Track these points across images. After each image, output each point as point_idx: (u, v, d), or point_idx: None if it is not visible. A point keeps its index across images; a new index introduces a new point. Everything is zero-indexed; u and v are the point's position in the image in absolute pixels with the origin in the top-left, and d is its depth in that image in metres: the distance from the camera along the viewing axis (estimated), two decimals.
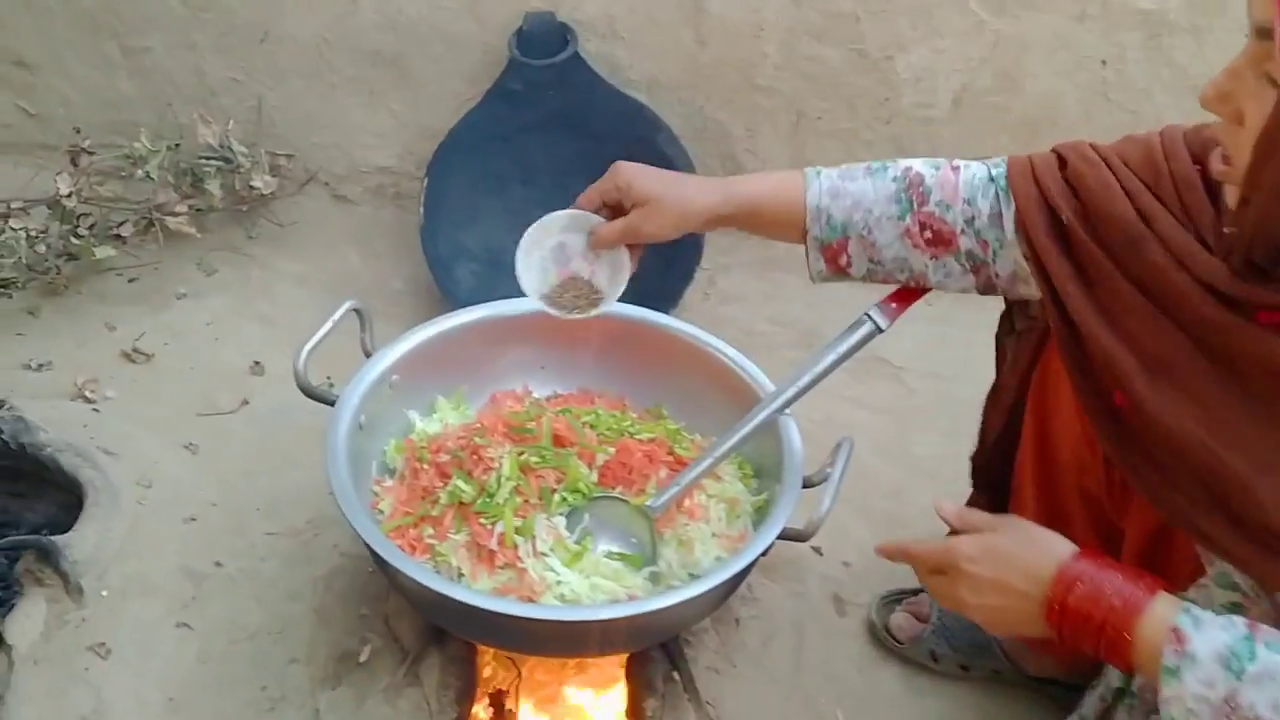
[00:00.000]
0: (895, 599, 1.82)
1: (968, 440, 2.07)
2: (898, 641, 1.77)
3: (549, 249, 1.59)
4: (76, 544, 1.80)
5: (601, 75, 2.39)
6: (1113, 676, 1.35)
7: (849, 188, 1.41)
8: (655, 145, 2.36)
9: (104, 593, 1.77)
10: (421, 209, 2.37)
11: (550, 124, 2.39)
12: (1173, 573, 1.31)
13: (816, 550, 1.93)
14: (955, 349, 2.39)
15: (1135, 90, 2.34)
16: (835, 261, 1.44)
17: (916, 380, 2.34)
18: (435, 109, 2.52)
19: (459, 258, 2.41)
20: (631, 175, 1.46)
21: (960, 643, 1.72)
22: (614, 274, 1.56)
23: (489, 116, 2.40)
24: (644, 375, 1.81)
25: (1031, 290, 1.35)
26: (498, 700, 1.66)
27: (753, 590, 1.81)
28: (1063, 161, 1.31)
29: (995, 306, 2.46)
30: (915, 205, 1.37)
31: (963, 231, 1.36)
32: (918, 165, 1.40)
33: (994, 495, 1.67)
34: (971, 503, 1.71)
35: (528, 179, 2.45)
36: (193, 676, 1.68)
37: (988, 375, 2.33)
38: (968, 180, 1.36)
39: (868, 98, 2.41)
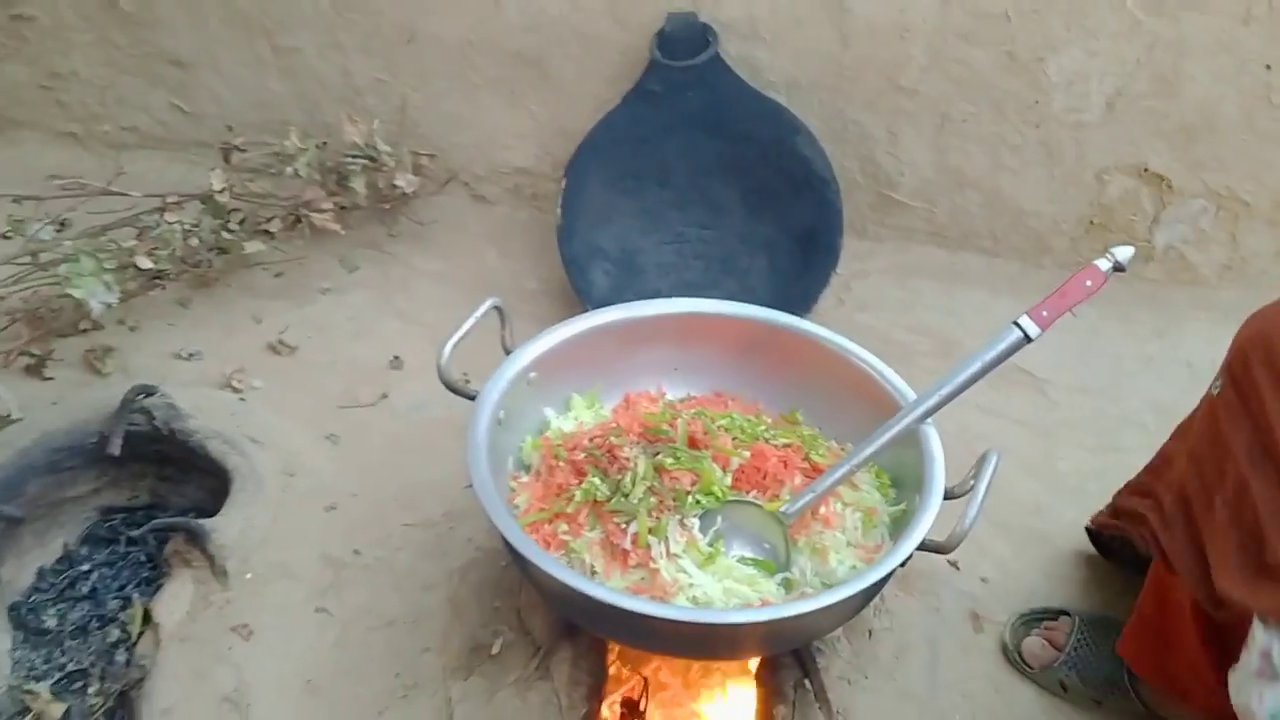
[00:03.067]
0: (1033, 619, 1.78)
1: (1117, 458, 2.02)
2: (1028, 666, 1.73)
3: None
4: (223, 528, 1.86)
5: (742, 76, 2.37)
6: None
7: None
8: (794, 147, 2.35)
9: (248, 576, 1.83)
10: (559, 209, 2.40)
11: (689, 125, 2.39)
12: None
13: (953, 565, 1.89)
14: (1102, 363, 2.33)
15: None
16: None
17: (1060, 393, 2.27)
18: (574, 110, 2.54)
19: (594, 258, 2.42)
20: None
21: (1093, 676, 1.67)
22: None
23: (628, 117, 2.41)
24: (779, 380, 1.80)
25: None
26: (628, 701, 1.67)
27: (886, 602, 1.79)
28: None
29: (1144, 319, 2.42)
30: None
31: None
32: None
33: None
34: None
35: (665, 180, 2.45)
36: (330, 661, 1.72)
37: (1137, 391, 2.28)
38: None
39: (1016, 101, 2.35)
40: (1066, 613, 1.76)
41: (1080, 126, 2.35)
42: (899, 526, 1.55)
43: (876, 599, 1.73)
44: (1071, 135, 2.36)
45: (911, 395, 1.61)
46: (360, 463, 2.07)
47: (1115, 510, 1.75)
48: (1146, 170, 2.36)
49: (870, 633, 1.73)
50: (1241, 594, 1.27)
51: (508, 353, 1.68)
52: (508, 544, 1.41)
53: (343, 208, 2.54)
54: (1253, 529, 1.28)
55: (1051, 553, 1.94)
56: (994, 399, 2.24)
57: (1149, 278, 2.47)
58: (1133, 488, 1.70)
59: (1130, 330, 2.41)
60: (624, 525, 1.49)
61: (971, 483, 1.48)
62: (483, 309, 1.64)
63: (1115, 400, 2.24)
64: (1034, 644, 1.73)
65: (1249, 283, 2.45)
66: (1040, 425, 2.20)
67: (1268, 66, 2.19)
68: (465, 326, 1.61)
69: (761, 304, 1.81)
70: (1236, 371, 1.34)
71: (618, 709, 1.68)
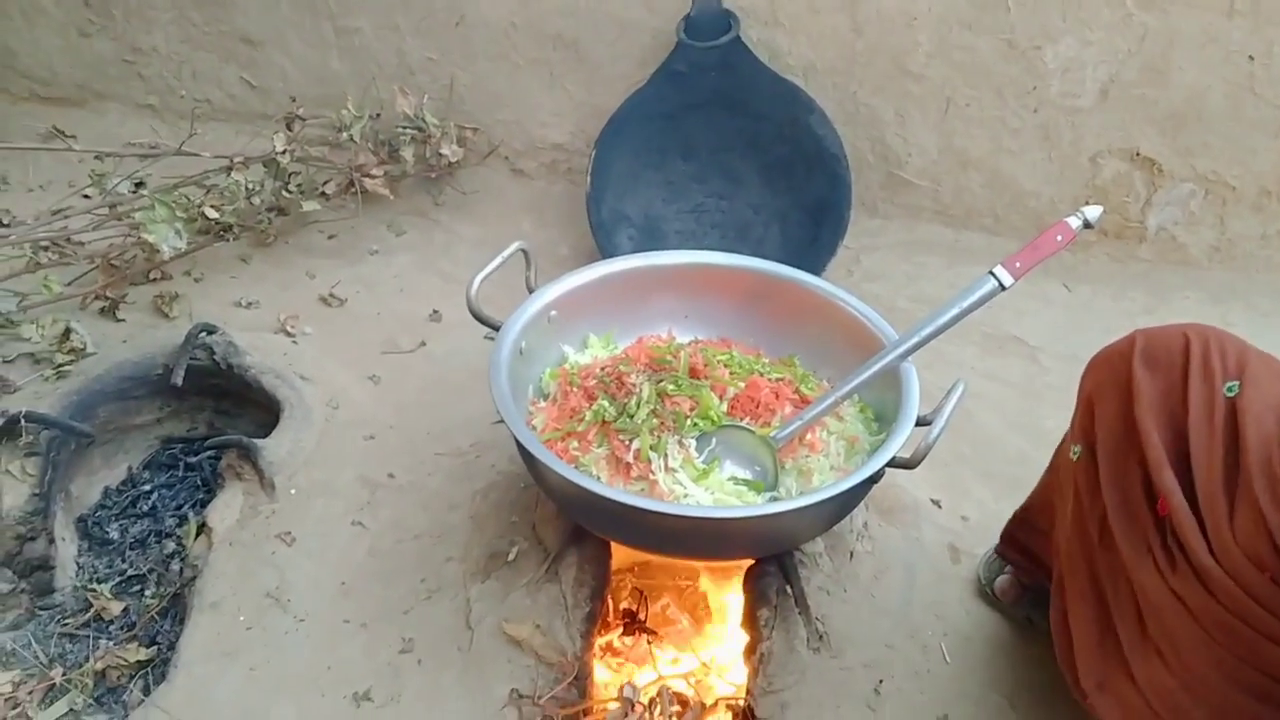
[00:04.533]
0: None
1: None
2: (998, 599, 1.83)
3: None
4: (273, 448, 2.05)
5: (761, 59, 2.54)
6: None
7: None
8: (808, 126, 2.50)
9: (293, 491, 2.01)
10: (588, 178, 2.57)
11: (711, 103, 2.56)
12: None
13: (936, 503, 2.02)
14: (1093, 334, 2.38)
15: None
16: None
17: (1051, 360, 2.39)
18: (607, 90, 2.70)
19: (620, 223, 2.60)
20: None
21: None
22: None
23: (655, 95, 2.58)
24: (780, 326, 1.94)
25: None
26: (628, 608, 1.83)
27: (869, 530, 1.90)
28: None
29: (1135, 296, 2.53)
30: None
31: None
32: None
33: None
34: None
35: (687, 154, 2.62)
36: (363, 567, 1.89)
37: None
38: None
39: (1015, 86, 2.48)
40: None
41: (1075, 112, 2.48)
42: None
43: (859, 525, 1.88)
44: (1068, 120, 2.49)
45: (896, 337, 1.74)
46: (398, 400, 2.24)
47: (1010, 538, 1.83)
48: (1138, 154, 2.48)
49: (852, 554, 1.85)
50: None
51: (531, 291, 1.84)
52: (523, 451, 1.56)
53: (393, 176, 2.72)
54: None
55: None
56: (988, 363, 2.38)
57: (1143, 258, 2.59)
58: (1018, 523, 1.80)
59: (1121, 306, 2.52)
60: (628, 442, 1.63)
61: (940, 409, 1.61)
62: (510, 250, 1.79)
63: None
64: (1005, 581, 1.83)
65: (1237, 265, 2.56)
66: (1030, 388, 2.33)
67: (1251, 57, 2.31)
68: (494, 263, 1.76)
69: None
70: (1086, 425, 1.44)
71: (619, 612, 1.84)
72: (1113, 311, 2.51)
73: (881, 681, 1.70)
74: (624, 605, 1.87)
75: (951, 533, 1.97)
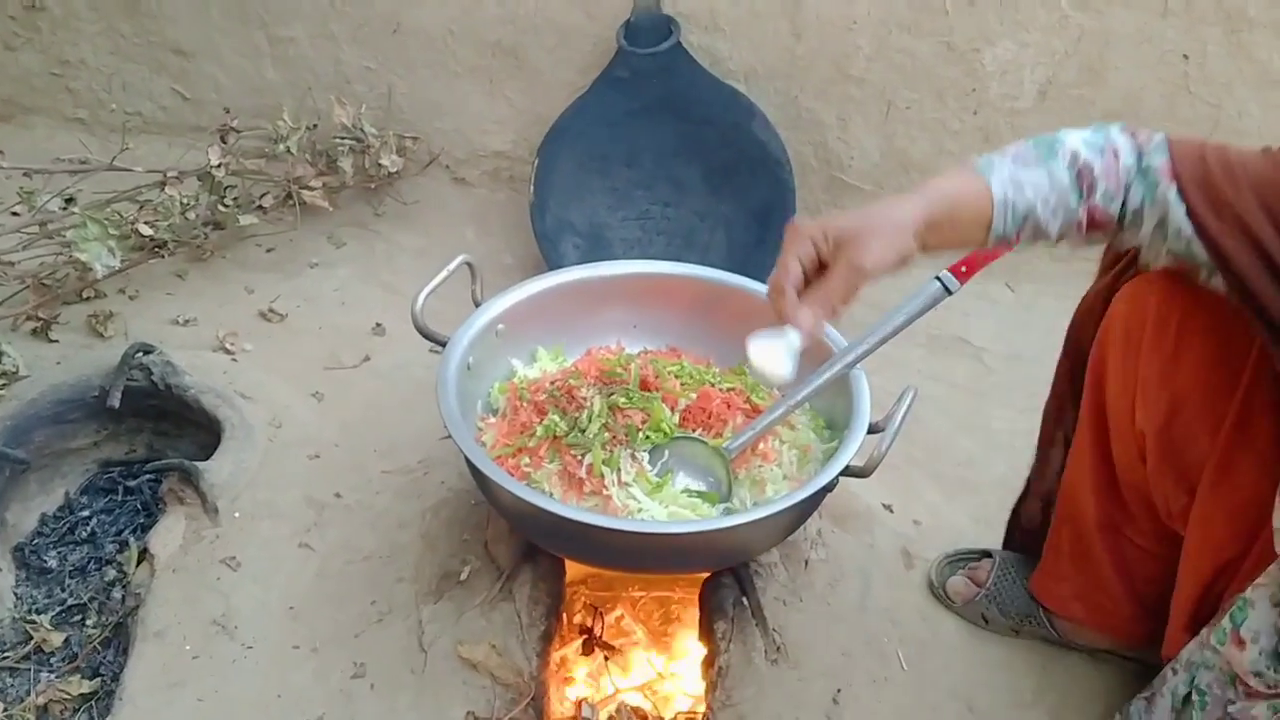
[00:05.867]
0: (958, 560, 1.90)
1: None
2: (952, 601, 1.85)
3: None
4: (215, 469, 2.00)
5: (702, 65, 2.53)
6: (1180, 681, 1.42)
7: (1024, 176, 1.28)
8: (750, 131, 2.50)
9: (236, 514, 1.96)
10: (532, 187, 2.55)
11: (653, 110, 2.55)
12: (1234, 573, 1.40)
13: (888, 508, 2.03)
14: (1037, 334, 2.46)
15: (1216, 85, 2.39)
16: (1005, 244, 1.35)
17: (996, 361, 2.41)
18: (548, 97, 2.68)
19: (564, 232, 2.58)
20: (821, 222, 1.31)
21: (1011, 609, 1.80)
22: None
23: (597, 102, 2.57)
24: (729, 335, 1.86)
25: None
26: (584, 627, 1.81)
27: (823, 537, 1.91)
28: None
29: (1078, 295, 2.54)
30: (1086, 196, 1.27)
31: (1118, 218, 1.29)
32: (1082, 151, 1.28)
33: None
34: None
35: (631, 160, 2.61)
36: (312, 590, 1.85)
37: None
38: (1125, 167, 1.27)
39: (955, 89, 2.50)
40: (988, 553, 1.89)
41: (1015, 113, 2.50)
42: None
43: (813, 533, 1.88)
44: (1007, 121, 2.51)
45: (844, 344, 1.73)
46: (343, 417, 2.20)
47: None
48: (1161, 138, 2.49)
49: (806, 563, 1.85)
50: None
51: (478, 305, 1.81)
52: (473, 469, 1.54)
53: (331, 187, 2.68)
54: None
55: (979, 501, 2.08)
56: (934, 366, 2.39)
57: (1085, 257, 2.59)
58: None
59: (1063, 306, 2.49)
60: (580, 457, 1.62)
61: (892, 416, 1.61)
62: (455, 263, 1.76)
63: (1047, 366, 2.34)
64: (958, 582, 1.85)
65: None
66: (976, 389, 2.35)
67: (1186, 56, 2.34)
68: (439, 278, 1.73)
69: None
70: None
71: (576, 631, 1.82)
72: (1056, 311, 2.47)
73: (840, 691, 1.70)
74: (578, 621, 1.86)
75: (904, 538, 1.98)
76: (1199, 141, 1.26)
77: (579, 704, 1.70)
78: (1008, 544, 1.90)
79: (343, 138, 2.65)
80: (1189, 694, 1.39)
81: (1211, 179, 1.22)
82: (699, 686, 1.76)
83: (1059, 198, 1.28)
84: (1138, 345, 1.42)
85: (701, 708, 1.71)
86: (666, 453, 1.65)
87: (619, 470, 1.61)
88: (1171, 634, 1.52)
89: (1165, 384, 1.39)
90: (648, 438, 1.66)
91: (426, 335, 1.73)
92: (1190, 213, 1.22)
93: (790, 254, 1.32)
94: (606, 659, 1.80)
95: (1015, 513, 1.87)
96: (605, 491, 1.59)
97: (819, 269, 1.32)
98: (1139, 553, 1.62)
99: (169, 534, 1.94)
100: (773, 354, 1.36)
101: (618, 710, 1.71)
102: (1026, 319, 2.50)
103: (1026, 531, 1.84)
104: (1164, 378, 1.39)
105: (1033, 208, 1.28)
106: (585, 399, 1.70)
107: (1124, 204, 1.27)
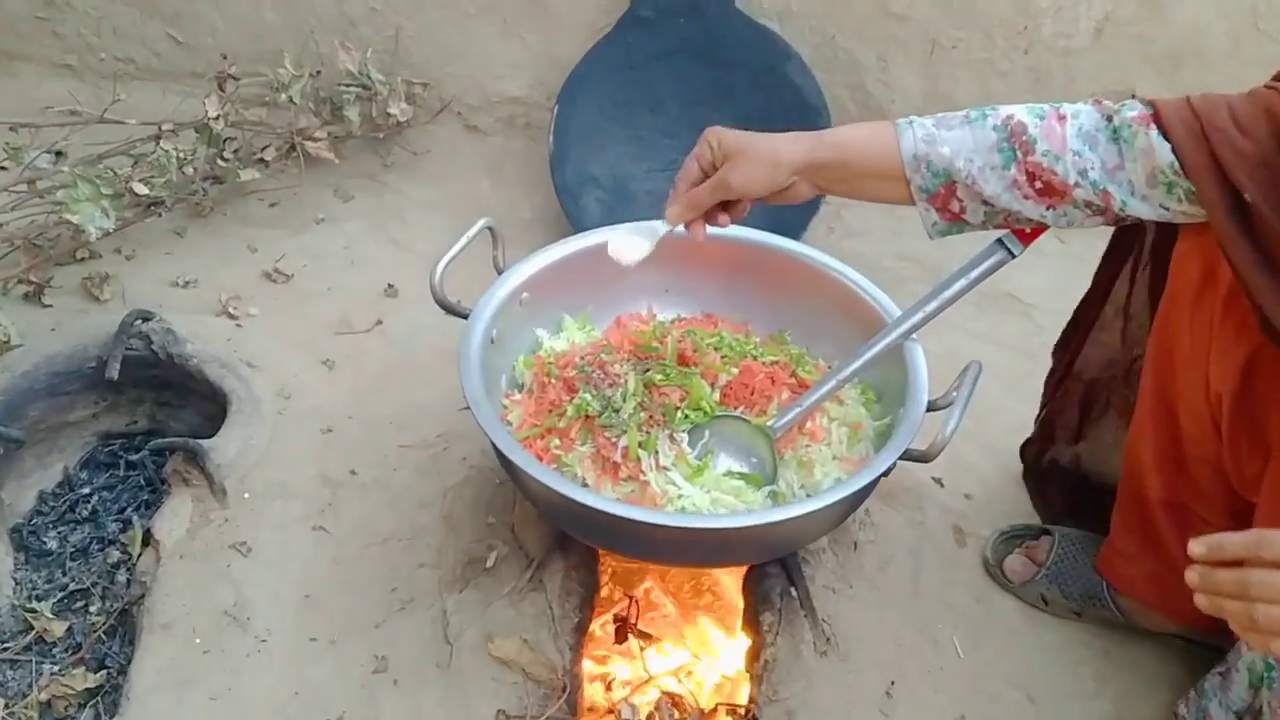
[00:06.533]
0: (1014, 537, 1.82)
1: None
2: (1009, 581, 1.77)
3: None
4: (221, 448, 1.89)
5: (733, 3, 2.38)
6: (1258, 655, 1.36)
7: (945, 135, 1.32)
8: (785, 74, 2.36)
9: (246, 495, 1.87)
10: (551, 137, 2.41)
11: (680, 52, 2.40)
12: None
13: (938, 481, 1.93)
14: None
15: None
16: (947, 209, 1.36)
17: (1046, 318, 2.29)
18: (567, 39, 2.54)
19: (586, 185, 2.44)
20: (720, 132, 1.42)
21: (1073, 590, 1.72)
22: None
23: (620, 45, 2.42)
24: (768, 300, 1.81)
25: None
26: (620, 617, 1.71)
27: (871, 516, 1.82)
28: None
29: None
30: (1020, 155, 1.28)
31: (1076, 184, 1.27)
32: (1019, 113, 1.30)
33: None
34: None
35: (656, 107, 2.46)
36: (328, 576, 1.76)
37: None
38: (1076, 131, 1.27)
39: (1006, 27, 2.35)
40: (1047, 531, 1.80)
41: (1069, 53, 2.36)
42: (883, 440, 1.57)
43: (861, 512, 1.78)
44: (1060, 61, 2.37)
45: (897, 313, 1.62)
46: (356, 387, 2.09)
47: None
48: (1134, 97, 2.36)
49: (855, 545, 1.76)
50: None
51: (500, 273, 1.70)
52: (501, 456, 1.44)
53: (336, 137, 2.55)
54: None
55: None
56: (981, 324, 2.27)
57: None
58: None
59: None
60: (615, 439, 1.51)
61: (953, 394, 1.50)
62: (476, 229, 1.64)
63: None
64: (1015, 561, 1.77)
65: None
66: (1026, 348, 2.23)
67: None
68: (458, 245, 1.62)
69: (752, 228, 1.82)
70: None
71: (610, 628, 1.72)
72: None
73: (893, 683, 1.62)
74: (614, 610, 1.76)
75: (955, 513, 1.89)
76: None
77: (617, 705, 1.60)
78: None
79: (348, 85, 2.51)
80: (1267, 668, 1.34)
81: (1195, 110, 1.22)
82: (736, 663, 1.68)
83: (985, 158, 1.30)
84: (1212, 301, 1.34)
85: (744, 688, 1.63)
86: (707, 433, 1.55)
87: (656, 453, 1.51)
88: None
89: (1241, 339, 1.31)
90: (686, 417, 1.56)
91: (447, 308, 1.62)
92: (1175, 150, 1.21)
93: (692, 154, 1.45)
94: (643, 649, 1.69)
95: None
96: (642, 477, 1.49)
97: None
98: (1209, 530, 1.51)
99: (175, 518, 1.84)
100: (628, 242, 1.55)
101: (657, 706, 1.62)
102: (1078, 272, 2.34)
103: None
104: (1240, 332, 1.31)
105: (952, 164, 1.31)
106: (619, 375, 1.59)
107: (1084, 169, 1.26)
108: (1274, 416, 1.32)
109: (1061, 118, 1.28)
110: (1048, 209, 1.32)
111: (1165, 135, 1.22)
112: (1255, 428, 1.35)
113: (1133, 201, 1.27)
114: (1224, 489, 1.46)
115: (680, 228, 1.50)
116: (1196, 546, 1.05)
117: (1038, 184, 1.29)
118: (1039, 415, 1.84)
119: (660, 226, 1.51)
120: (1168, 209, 1.27)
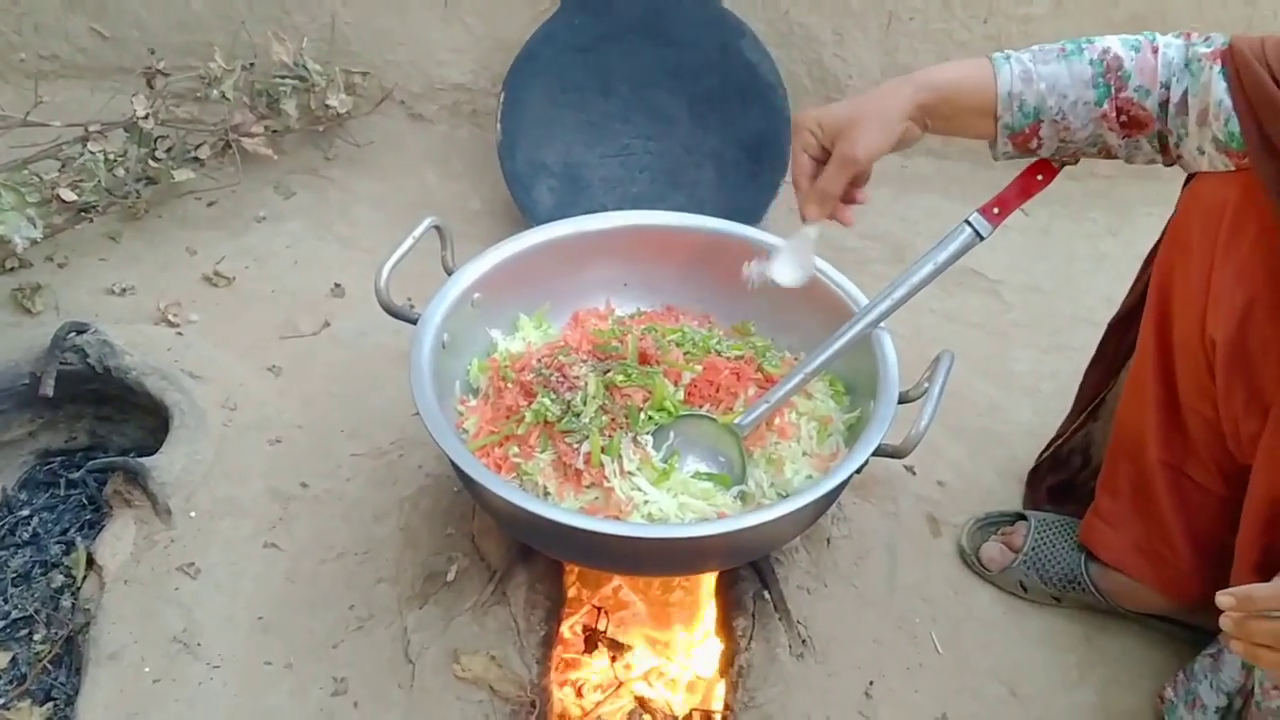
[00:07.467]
0: (990, 524, 1.79)
1: (1070, 356, 2.00)
2: (986, 569, 1.73)
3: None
4: (164, 466, 1.81)
5: None
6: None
7: (1042, 71, 1.33)
8: (739, 52, 2.29)
9: (192, 514, 1.79)
10: (499, 125, 2.33)
11: (629, 32, 2.33)
12: None
13: (909, 470, 1.89)
14: (1055, 262, 2.32)
15: None
16: (1025, 146, 1.39)
17: (1014, 294, 2.26)
18: (511, 20, 2.47)
19: (538, 174, 2.37)
20: (816, 115, 1.39)
21: (1051, 574, 1.68)
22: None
23: (566, 26, 2.34)
24: (729, 290, 1.73)
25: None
26: (588, 626, 1.65)
27: (844, 510, 1.78)
28: None
29: (1096, 217, 2.39)
30: (1114, 90, 1.30)
31: (1158, 116, 1.30)
32: (1116, 47, 1.31)
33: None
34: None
35: (607, 90, 2.39)
36: (282, 596, 1.69)
37: (1091, 289, 2.26)
38: (1166, 63, 1.29)
39: None
40: (1023, 516, 1.77)
41: (1029, 20, 2.31)
42: (854, 433, 1.54)
43: (834, 507, 1.73)
44: (1020, 29, 2.32)
45: (864, 300, 1.58)
46: (304, 394, 2.02)
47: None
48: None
49: (828, 541, 1.72)
50: None
51: (450, 274, 1.64)
52: (458, 469, 1.38)
53: (274, 131, 2.47)
54: None
55: (1006, 454, 1.94)
56: (947, 303, 2.23)
57: (1101, 174, 2.44)
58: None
59: (1083, 229, 2.39)
60: (576, 445, 1.46)
61: (926, 385, 1.46)
62: (421, 228, 1.58)
63: (1069, 299, 2.23)
64: (992, 548, 1.73)
65: None
66: (994, 327, 2.19)
67: None
68: (404, 247, 1.56)
69: (711, 216, 1.77)
70: None
71: (579, 629, 1.66)
72: (1074, 235, 2.38)
73: (872, 683, 1.58)
74: (583, 614, 1.70)
75: (929, 502, 1.85)
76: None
77: (589, 711, 1.55)
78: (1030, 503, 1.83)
79: (283, 76, 2.42)
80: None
81: (1266, 49, 1.21)
82: (710, 664, 1.63)
83: (1078, 92, 1.32)
84: (1211, 244, 1.33)
85: (719, 690, 1.58)
86: (672, 434, 1.50)
87: (620, 458, 1.45)
88: (1235, 582, 1.40)
89: (1241, 283, 1.30)
90: (650, 418, 1.50)
91: (395, 314, 1.56)
92: (1230, 89, 1.22)
93: (796, 147, 1.42)
94: (614, 659, 1.64)
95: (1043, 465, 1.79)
96: (606, 483, 1.44)
97: (827, 155, 1.40)
98: (1202, 495, 1.51)
99: (117, 541, 1.76)
100: (789, 263, 1.51)
101: (630, 714, 1.57)
102: (1044, 245, 2.34)
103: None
104: (1240, 277, 1.30)
105: (1044, 101, 1.33)
106: (578, 378, 1.53)
107: (1166, 100, 1.29)
108: (1270, 368, 1.30)
109: (1155, 49, 1.30)
110: (1124, 139, 1.34)
111: (1225, 72, 1.23)
112: (1251, 380, 1.34)
113: (1186, 140, 1.29)
114: (1219, 449, 1.44)
115: (820, 223, 1.45)
116: (1225, 599, 1.06)
117: (1124, 117, 1.31)
118: (1052, 445, 1.80)
119: (810, 230, 1.47)
120: (1203, 152, 1.28)
